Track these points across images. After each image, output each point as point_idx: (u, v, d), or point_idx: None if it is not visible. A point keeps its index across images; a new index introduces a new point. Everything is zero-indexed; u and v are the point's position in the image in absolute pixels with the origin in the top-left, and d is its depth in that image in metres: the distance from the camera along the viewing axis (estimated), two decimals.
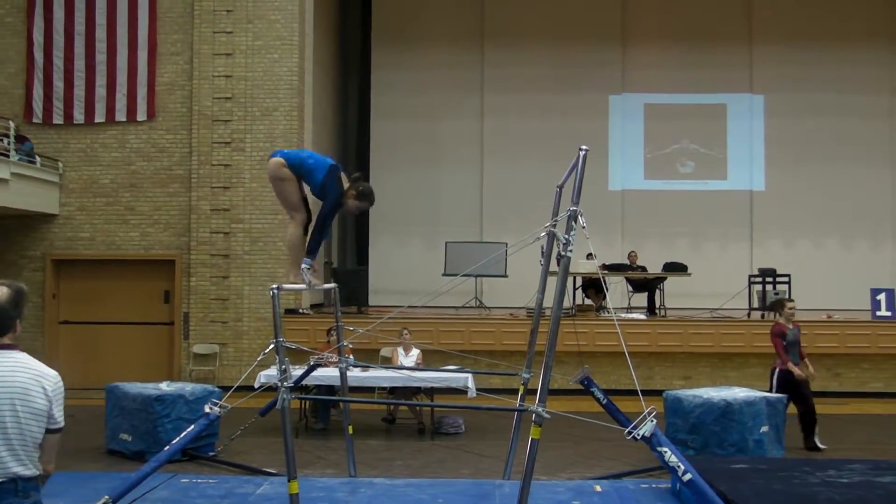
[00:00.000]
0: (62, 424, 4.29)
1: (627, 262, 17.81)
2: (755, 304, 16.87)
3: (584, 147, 6.40)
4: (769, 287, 16.51)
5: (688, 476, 5.89)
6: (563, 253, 6.17)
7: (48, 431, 4.23)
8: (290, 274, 7.53)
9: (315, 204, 7.60)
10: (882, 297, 15.91)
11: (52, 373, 4.27)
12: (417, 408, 12.62)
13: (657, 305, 17.44)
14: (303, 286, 7.29)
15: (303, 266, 7.24)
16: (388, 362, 13.40)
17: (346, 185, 7.48)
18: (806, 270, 18.28)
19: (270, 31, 16.52)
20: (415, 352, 12.98)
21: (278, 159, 7.51)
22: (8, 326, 4.22)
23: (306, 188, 7.62)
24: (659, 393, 11.10)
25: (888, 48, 20.64)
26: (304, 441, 11.48)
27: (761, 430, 9.91)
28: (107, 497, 6.21)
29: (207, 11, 16.57)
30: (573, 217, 6.14)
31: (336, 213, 7.65)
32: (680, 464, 5.93)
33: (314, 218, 7.54)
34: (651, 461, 9.94)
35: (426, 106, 21.02)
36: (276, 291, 6.38)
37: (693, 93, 20.84)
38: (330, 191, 7.36)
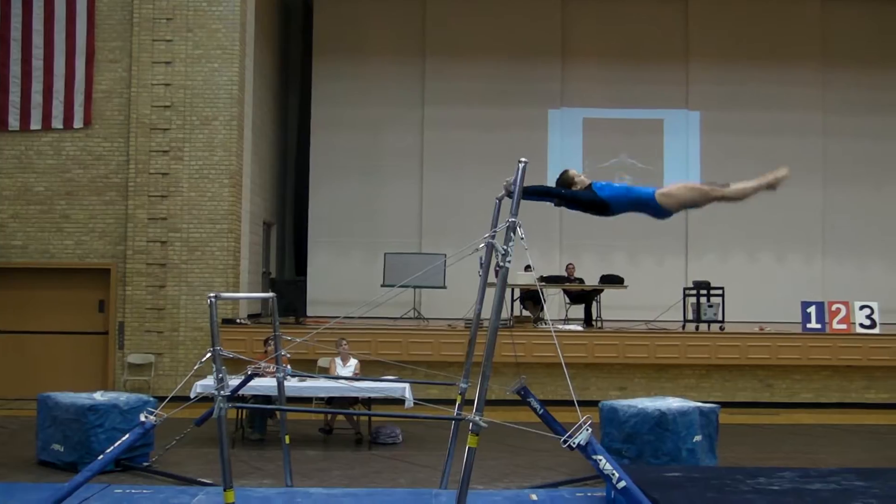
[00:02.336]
0: None
1: (565, 273, 17.97)
2: (689, 317, 17.13)
3: (523, 159, 6.49)
4: (703, 299, 16.78)
5: (622, 484, 5.97)
6: (501, 264, 6.23)
7: None
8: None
9: None
10: (812, 310, 16.28)
11: None
12: (355, 418, 12.59)
13: (594, 317, 17.62)
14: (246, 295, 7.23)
15: None
16: (325, 372, 13.36)
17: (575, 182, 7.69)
18: (739, 283, 18.55)
19: (211, 40, 16.42)
20: (353, 362, 12.98)
21: None
22: None
23: None
24: (595, 403, 11.22)
25: (820, 69, 21.09)
26: (241, 451, 11.41)
27: (694, 440, 10.07)
28: None
29: (147, 19, 16.42)
30: (512, 228, 6.21)
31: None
32: (614, 472, 6.01)
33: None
34: (586, 471, 10.05)
35: (367, 118, 21.02)
36: (213, 300, 6.37)
37: (631, 108, 21.11)
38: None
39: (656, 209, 7.49)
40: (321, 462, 11.03)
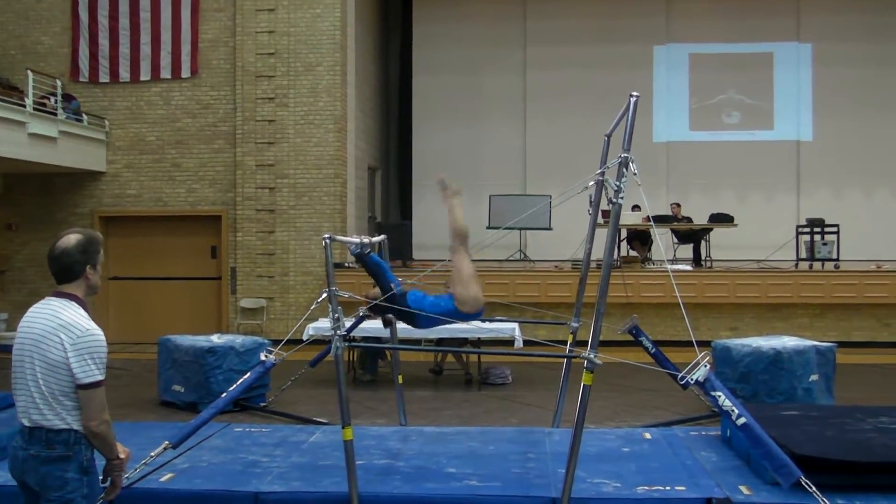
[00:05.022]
0: (87, 380, 3.90)
1: (671, 213, 17.68)
2: (802, 255, 16.72)
3: (634, 93, 6.33)
4: (817, 237, 16.34)
5: (742, 420, 5.87)
6: (614, 200, 6.12)
7: (77, 387, 3.92)
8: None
9: None
10: None
11: (82, 326, 3.94)
12: (464, 358, 12.64)
13: (703, 257, 17.33)
14: (358, 239, 7.30)
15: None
16: None
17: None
18: (855, 221, 17.97)
19: None
20: None
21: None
22: (73, 272, 4.03)
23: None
24: (706, 343, 11.04)
25: None
26: (353, 392, 11.56)
27: (811, 379, 9.87)
28: (167, 443, 6.32)
29: None
30: (624, 164, 6.09)
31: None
32: (734, 408, 5.91)
33: None
34: (699, 410, 9.98)
35: (468, 60, 20.88)
36: (327, 241, 6.41)
37: (739, 42, 20.47)
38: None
39: (464, 317, 7.36)
40: (432, 402, 11.15)
